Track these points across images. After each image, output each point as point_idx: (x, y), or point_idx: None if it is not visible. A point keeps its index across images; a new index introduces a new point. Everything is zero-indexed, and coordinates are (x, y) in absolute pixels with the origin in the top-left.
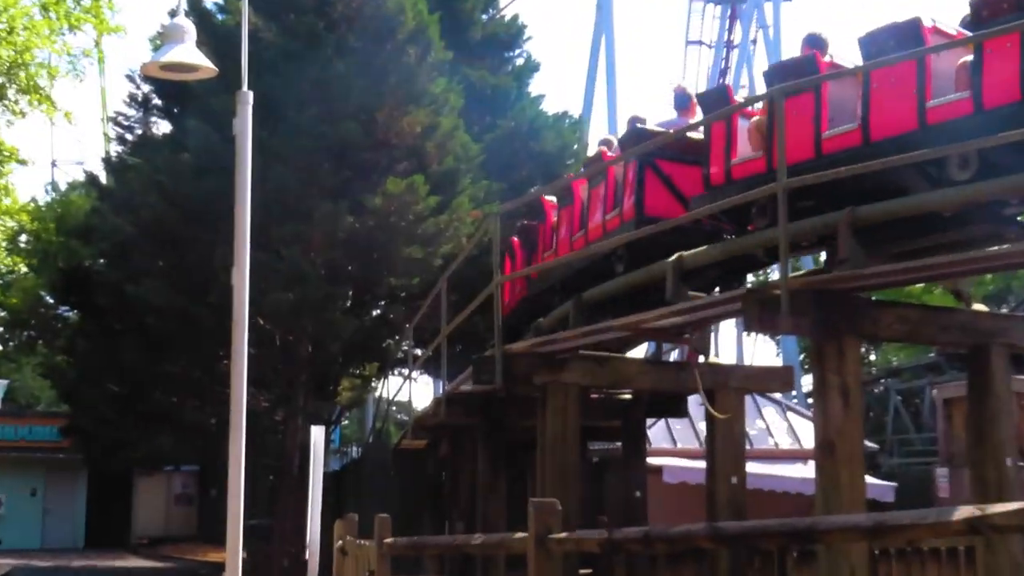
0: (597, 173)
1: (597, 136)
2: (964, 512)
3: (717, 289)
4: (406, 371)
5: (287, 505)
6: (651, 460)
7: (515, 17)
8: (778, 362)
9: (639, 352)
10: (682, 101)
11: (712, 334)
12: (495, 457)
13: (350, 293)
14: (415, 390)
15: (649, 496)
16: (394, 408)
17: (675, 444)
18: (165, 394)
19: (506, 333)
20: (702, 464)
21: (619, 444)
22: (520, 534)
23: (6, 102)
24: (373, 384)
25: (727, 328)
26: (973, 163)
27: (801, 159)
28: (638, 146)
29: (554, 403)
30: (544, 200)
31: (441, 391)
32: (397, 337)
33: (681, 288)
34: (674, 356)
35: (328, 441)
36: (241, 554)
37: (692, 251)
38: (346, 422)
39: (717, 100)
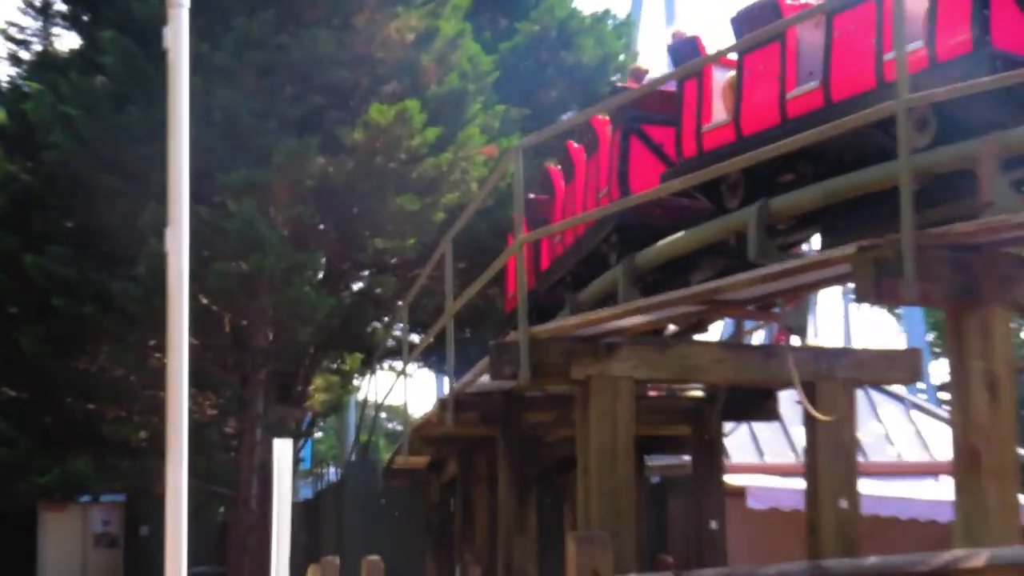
0: (589, 137)
1: (650, 43)
2: None
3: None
4: (399, 364)
5: (244, 546)
6: (731, 479)
7: None
8: (900, 344)
9: (712, 335)
10: (681, 53)
11: (812, 308)
12: (521, 479)
13: (323, 261)
14: (412, 390)
15: (728, 527)
16: (384, 415)
17: (762, 457)
18: (79, 401)
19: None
20: (800, 484)
21: (687, 459)
22: None
23: None
24: (356, 383)
25: (831, 300)
26: (932, 124)
27: (767, 126)
28: (616, 109)
29: (600, 404)
30: (551, 170)
31: (447, 391)
32: (386, 319)
33: (768, 245)
34: (759, 339)
35: (297, 460)
36: None
37: (785, 195)
38: (320, 434)
39: (688, 52)
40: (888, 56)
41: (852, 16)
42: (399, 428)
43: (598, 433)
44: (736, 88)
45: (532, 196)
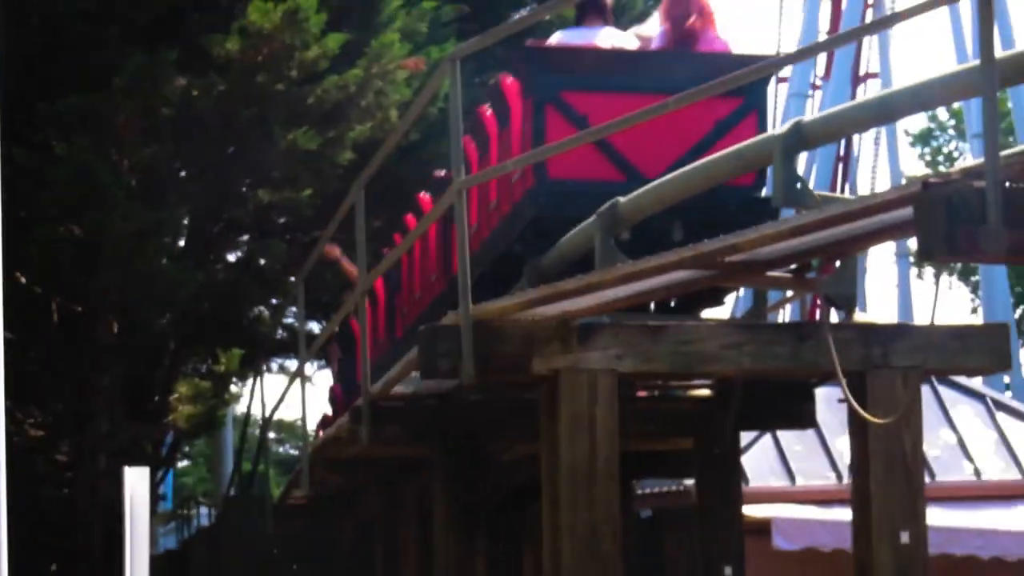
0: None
1: None
2: None
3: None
4: (293, 364)
5: None
6: (750, 510)
7: None
8: (977, 320)
9: (722, 313)
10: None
11: (860, 273)
12: (464, 515)
13: (186, 221)
14: (312, 399)
15: (751, 575)
16: (274, 434)
17: (792, 480)
18: None
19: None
20: (844, 514)
21: (689, 483)
22: None
23: None
24: (234, 390)
25: (881, 259)
26: None
27: None
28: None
29: (572, 409)
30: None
31: (361, 397)
32: (275, 301)
33: (799, 186)
34: (786, 316)
35: (155, 497)
36: None
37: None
38: (186, 463)
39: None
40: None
41: None
42: (295, 452)
43: (570, 450)
44: None
45: (442, 172)
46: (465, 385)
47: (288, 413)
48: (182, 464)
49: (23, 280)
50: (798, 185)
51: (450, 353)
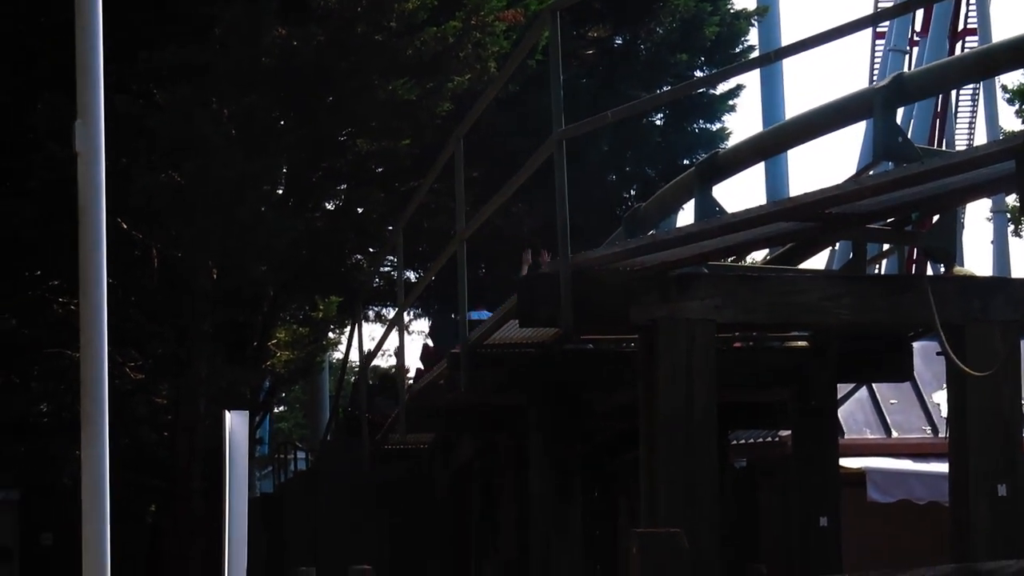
0: None
1: None
2: None
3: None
4: (391, 310)
5: (184, 556)
6: (846, 462)
7: None
8: None
9: (816, 263)
10: None
11: (959, 227)
12: (561, 463)
13: (285, 170)
14: (410, 346)
15: (846, 526)
16: (373, 381)
17: (888, 433)
18: None
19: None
20: (941, 467)
21: (784, 434)
22: None
23: None
24: (332, 336)
25: (977, 216)
26: None
27: None
28: None
29: (670, 358)
30: None
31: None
32: (373, 250)
33: (900, 139)
34: (884, 269)
35: (253, 440)
36: None
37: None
38: (282, 408)
39: None
40: None
41: None
42: (392, 400)
43: (668, 398)
44: None
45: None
46: (563, 334)
47: (386, 359)
48: (279, 409)
49: (124, 226)
50: (899, 138)
51: (549, 302)
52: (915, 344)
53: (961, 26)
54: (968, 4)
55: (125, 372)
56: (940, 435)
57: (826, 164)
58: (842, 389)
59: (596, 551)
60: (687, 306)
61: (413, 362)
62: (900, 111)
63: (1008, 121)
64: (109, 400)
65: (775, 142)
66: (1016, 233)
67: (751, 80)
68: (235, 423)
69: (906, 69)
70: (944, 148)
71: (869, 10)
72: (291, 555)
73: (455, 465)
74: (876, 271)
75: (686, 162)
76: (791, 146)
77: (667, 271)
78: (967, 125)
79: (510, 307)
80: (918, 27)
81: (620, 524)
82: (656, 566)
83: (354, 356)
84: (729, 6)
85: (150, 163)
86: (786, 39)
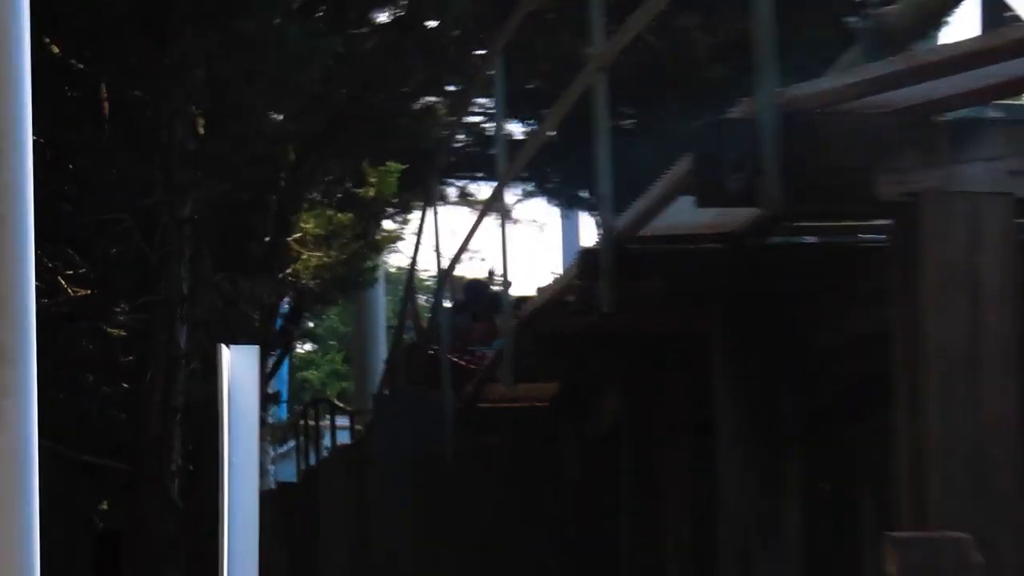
0: None
1: None
2: None
3: None
4: (485, 186)
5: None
6: None
7: None
8: None
9: None
10: None
11: None
12: (767, 431)
13: None
14: (515, 239)
15: None
16: (453, 295)
17: None
18: None
19: None
20: None
21: None
22: None
23: None
24: (391, 227)
25: None
26: None
27: None
28: None
29: (941, 254)
30: None
31: (594, 231)
32: (454, 87)
33: None
34: None
35: (265, 396)
36: None
37: None
38: (311, 347)
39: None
40: None
41: None
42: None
43: (940, 321)
44: None
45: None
46: (768, 217)
47: (475, 264)
48: (305, 348)
49: (56, 50)
50: None
51: (744, 164)
52: None
53: None
54: None
55: (59, 285)
56: None
57: None
58: None
59: (823, 568)
60: (967, 171)
61: (538, 267)
62: None
63: None
64: (36, 330)
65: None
66: None
67: None
68: (237, 366)
69: None
70: None
71: None
72: (329, 560)
73: (592, 431)
74: None
75: None
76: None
77: (934, 115)
78: None
79: (679, 176)
80: None
81: (863, 527)
82: None
83: (426, 261)
84: None
85: None
86: None
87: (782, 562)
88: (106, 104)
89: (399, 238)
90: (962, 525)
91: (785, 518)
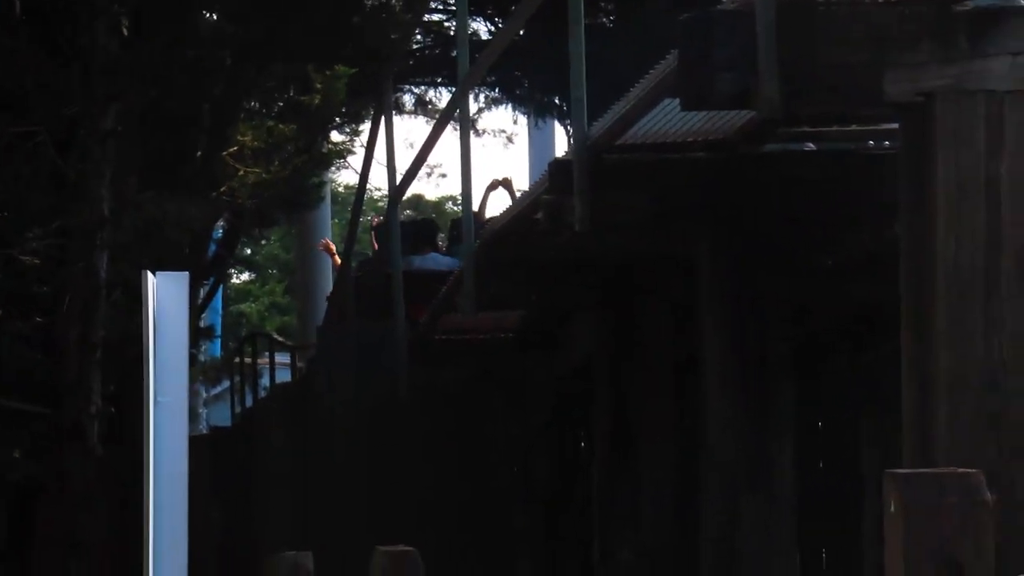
0: None
1: None
2: None
3: None
4: (444, 92)
5: (74, 534)
6: None
7: None
8: None
9: None
10: None
11: None
12: (759, 363)
13: None
14: (479, 153)
15: None
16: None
17: None
18: None
19: None
20: None
21: None
22: None
23: None
24: (339, 140)
25: None
26: None
27: None
28: None
29: (957, 161)
30: None
31: (567, 144)
32: None
33: None
34: None
35: (196, 331)
36: None
37: None
38: (248, 275)
39: None
40: None
41: None
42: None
43: (954, 237)
44: None
45: None
46: (763, 121)
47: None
48: (242, 278)
49: None
50: None
51: (737, 61)
52: None
53: None
54: None
55: None
56: None
57: None
58: None
59: (820, 519)
60: (988, 67)
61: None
62: None
63: None
64: None
65: None
66: None
67: None
68: (164, 297)
69: None
70: None
71: None
72: (264, 531)
73: (562, 366)
74: None
75: None
76: None
77: (951, 3)
78: None
79: (663, 76)
80: None
81: (862, 466)
82: (929, 527)
83: (377, 178)
84: None
85: None
86: None
87: (775, 512)
88: (18, 3)
89: (348, 152)
90: (972, 461)
91: (777, 462)
